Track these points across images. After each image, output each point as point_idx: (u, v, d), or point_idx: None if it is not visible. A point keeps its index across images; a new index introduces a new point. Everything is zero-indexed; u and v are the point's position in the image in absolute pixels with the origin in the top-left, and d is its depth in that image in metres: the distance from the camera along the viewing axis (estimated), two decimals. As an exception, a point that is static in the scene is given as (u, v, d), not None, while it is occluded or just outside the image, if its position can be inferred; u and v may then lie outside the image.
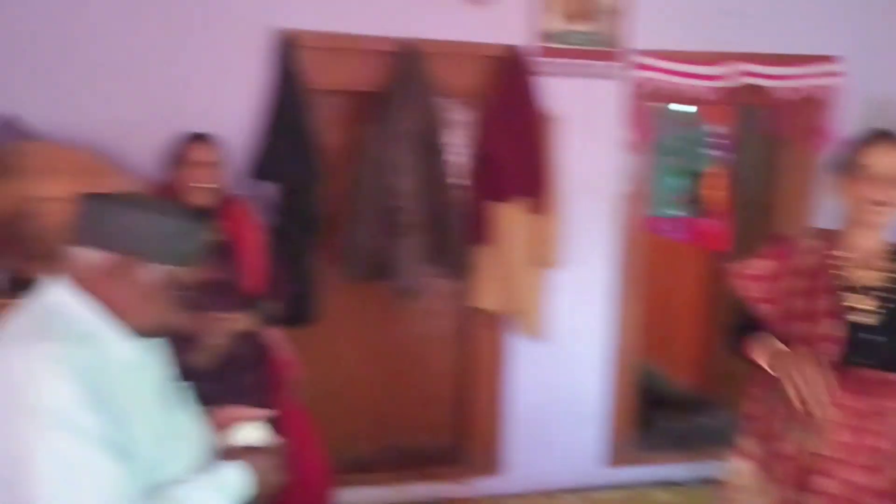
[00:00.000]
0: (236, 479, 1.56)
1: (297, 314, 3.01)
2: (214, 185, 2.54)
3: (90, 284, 1.48)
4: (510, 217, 3.16)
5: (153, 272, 1.49)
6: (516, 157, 3.10)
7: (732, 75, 3.35)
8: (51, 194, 2.74)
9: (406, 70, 3.02)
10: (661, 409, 4.09)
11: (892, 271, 1.87)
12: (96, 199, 1.49)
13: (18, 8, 2.78)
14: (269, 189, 3.03)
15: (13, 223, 2.78)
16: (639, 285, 3.56)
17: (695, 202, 4.40)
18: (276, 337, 2.65)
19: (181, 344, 2.33)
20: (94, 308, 1.48)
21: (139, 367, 1.53)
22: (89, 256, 1.48)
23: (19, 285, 2.71)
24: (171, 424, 1.56)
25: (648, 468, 3.68)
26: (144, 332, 1.54)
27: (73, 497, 1.33)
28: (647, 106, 3.35)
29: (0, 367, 1.39)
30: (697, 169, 4.39)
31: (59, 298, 1.48)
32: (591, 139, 3.33)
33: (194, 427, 1.67)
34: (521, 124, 3.10)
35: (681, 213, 4.44)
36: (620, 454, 3.64)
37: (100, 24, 2.83)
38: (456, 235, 3.17)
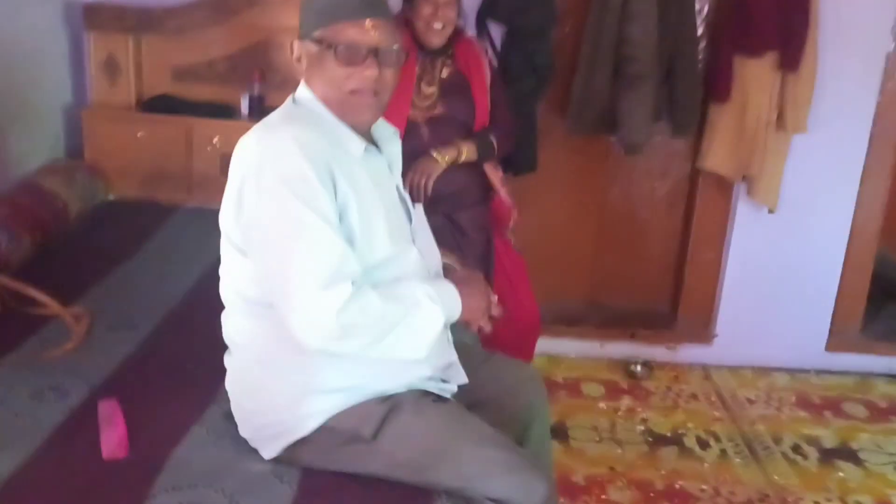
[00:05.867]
0: (453, 295, 1.57)
1: (517, 162, 2.99)
2: (450, 24, 2.49)
3: (308, 80, 1.58)
4: (756, 72, 2.89)
5: (333, 49, 1.50)
6: (772, 4, 2.78)
7: None
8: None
9: None
10: (894, 299, 3.75)
11: None
12: None
13: None
14: (499, 31, 2.96)
15: (259, 52, 2.92)
16: (891, 161, 3.20)
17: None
18: (497, 175, 2.65)
19: (405, 166, 2.42)
20: (317, 102, 1.56)
21: (366, 164, 1.57)
22: (297, 50, 1.58)
23: (258, 110, 2.88)
24: (398, 232, 1.61)
25: (872, 358, 3.42)
26: (359, 127, 1.58)
27: (305, 261, 1.41)
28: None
29: (254, 141, 1.50)
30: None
31: (303, 96, 1.59)
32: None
33: (423, 243, 1.71)
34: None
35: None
36: (843, 340, 3.40)
37: None
38: (689, 90, 2.96)
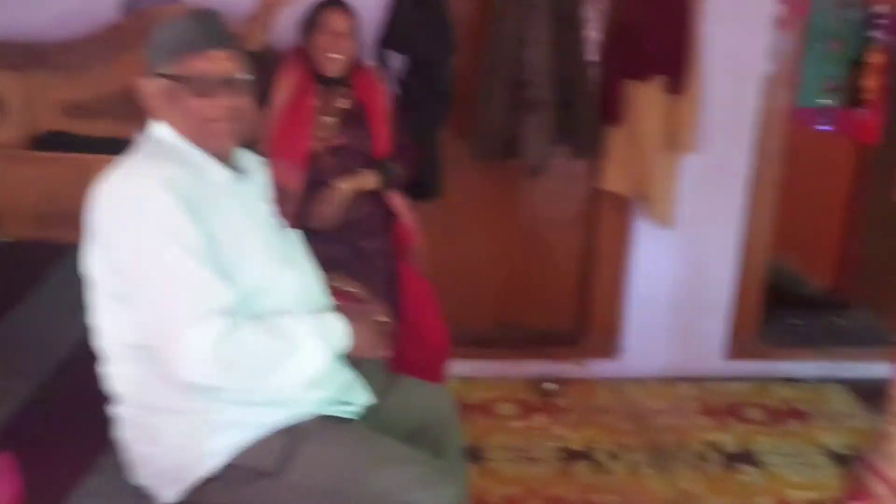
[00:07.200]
0: (339, 331, 1.59)
1: (422, 189, 3.02)
2: (348, 55, 2.52)
3: (162, 114, 1.58)
4: (645, 96, 3.01)
5: (185, 83, 1.51)
6: (657, 32, 2.92)
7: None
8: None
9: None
10: (788, 306, 3.94)
11: None
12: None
13: None
14: (398, 60, 3.00)
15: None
16: (775, 174, 3.38)
17: (848, 91, 4.05)
18: (400, 203, 2.67)
19: (309, 197, 2.44)
20: (176, 135, 1.57)
21: (234, 192, 1.59)
22: (148, 87, 1.57)
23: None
24: (275, 255, 1.62)
25: (770, 363, 3.58)
26: (221, 155, 1.60)
27: (175, 298, 1.42)
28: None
29: (115, 185, 1.49)
30: (854, 55, 4.02)
31: (160, 132, 1.58)
32: (736, 12, 3.11)
33: (303, 266, 1.73)
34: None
35: (831, 103, 4.11)
36: (742, 347, 3.55)
37: None
38: (587, 114, 3.06)
